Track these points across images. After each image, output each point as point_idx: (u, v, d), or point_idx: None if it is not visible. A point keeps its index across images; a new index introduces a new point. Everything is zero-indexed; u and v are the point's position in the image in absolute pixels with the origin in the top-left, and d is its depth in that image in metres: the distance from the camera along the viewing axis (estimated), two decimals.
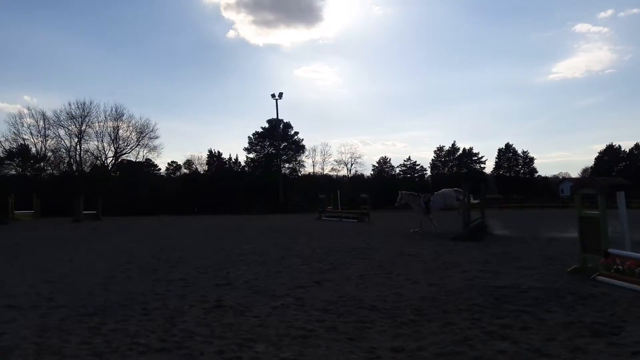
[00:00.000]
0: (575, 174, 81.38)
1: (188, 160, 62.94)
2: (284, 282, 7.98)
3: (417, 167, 72.05)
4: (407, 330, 5.11)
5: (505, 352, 4.35)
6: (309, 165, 67.62)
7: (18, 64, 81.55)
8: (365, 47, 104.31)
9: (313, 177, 64.41)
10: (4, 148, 52.65)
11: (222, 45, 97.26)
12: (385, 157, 72.44)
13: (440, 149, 72.87)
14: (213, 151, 63.25)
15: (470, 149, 71.62)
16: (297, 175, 64.98)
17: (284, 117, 64.95)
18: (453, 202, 17.88)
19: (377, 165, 71.66)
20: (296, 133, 65.87)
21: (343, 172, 68.69)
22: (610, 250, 7.69)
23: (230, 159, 63.95)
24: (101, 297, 6.98)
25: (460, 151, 71.91)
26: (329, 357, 4.30)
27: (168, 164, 63.52)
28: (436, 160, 72.96)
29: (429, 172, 72.67)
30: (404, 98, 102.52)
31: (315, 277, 8.32)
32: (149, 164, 57.88)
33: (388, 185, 61.58)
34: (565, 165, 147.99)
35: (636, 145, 72.07)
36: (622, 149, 73.37)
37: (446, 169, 72.27)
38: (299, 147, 65.67)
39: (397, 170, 71.52)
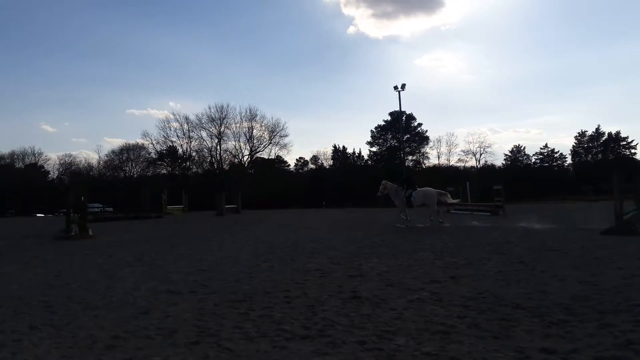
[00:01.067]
0: None
1: (314, 155, 65.32)
2: (417, 275, 7.90)
3: (556, 155, 66.26)
4: (557, 331, 4.76)
5: None
6: (433, 156, 65.93)
7: (164, 73, 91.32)
8: (491, 28, 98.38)
9: (438, 169, 62.63)
10: (156, 150, 59.51)
11: (343, 42, 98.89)
12: (518, 145, 67.71)
13: (582, 134, 66.19)
14: (337, 146, 64.74)
15: (618, 133, 63.98)
16: (421, 167, 63.70)
17: (407, 108, 64.03)
18: (432, 201, 18.24)
19: (509, 154, 67.33)
20: (419, 124, 64.62)
21: (471, 162, 65.75)
22: None
23: (353, 153, 64.92)
24: (248, 284, 7.56)
25: (606, 136, 64.56)
26: (473, 355, 4.18)
27: (296, 160, 66.53)
28: (577, 147, 66.41)
29: (569, 160, 66.46)
30: (536, 80, 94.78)
31: (450, 272, 8.11)
32: (279, 161, 61.16)
33: (523, 175, 57.71)
34: None
35: None
36: None
37: (589, 156, 65.48)
38: (423, 139, 64.35)
39: (533, 159, 66.51)
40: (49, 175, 65.93)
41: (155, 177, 57.70)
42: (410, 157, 63.39)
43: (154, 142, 58.69)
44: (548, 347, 4.29)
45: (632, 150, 63.31)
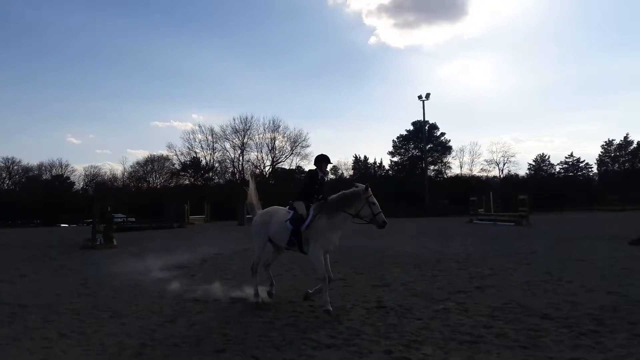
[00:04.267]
0: None
1: (334, 166, 65.26)
2: (442, 286, 7.84)
3: (581, 164, 65.03)
4: (587, 341, 4.68)
5: None
6: (455, 166, 65.28)
7: (187, 85, 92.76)
8: (515, 36, 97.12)
9: (460, 179, 62.01)
10: (180, 161, 60.42)
11: (365, 52, 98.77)
12: (543, 154, 66.64)
13: (609, 143, 64.85)
14: (358, 156, 64.69)
15: None
16: (443, 177, 63.20)
17: (429, 117, 63.67)
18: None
19: (533, 163, 66.33)
20: (442, 134, 64.16)
21: (494, 172, 64.99)
22: None
23: (374, 163, 64.77)
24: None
25: (635, 144, 63.15)
26: None
27: None
28: (604, 156, 65.11)
29: (595, 169, 65.17)
30: (561, 89, 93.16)
31: (475, 282, 8.02)
32: (300, 171, 61.36)
33: (548, 185, 56.78)
34: None
35: None
36: None
37: (616, 165, 64.11)
38: (446, 148, 63.83)
39: (557, 168, 65.40)
40: (74, 187, 67.38)
41: (178, 188, 58.49)
42: (432, 167, 62.96)
43: (178, 154, 59.75)
44: (578, 357, 4.23)
45: None
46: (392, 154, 65.11)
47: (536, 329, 5.18)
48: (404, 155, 64.68)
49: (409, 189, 53.54)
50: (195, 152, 60.13)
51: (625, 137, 63.83)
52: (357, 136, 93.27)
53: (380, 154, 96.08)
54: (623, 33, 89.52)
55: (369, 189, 6.30)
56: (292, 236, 6.52)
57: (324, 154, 6.82)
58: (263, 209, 7.57)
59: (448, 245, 14.43)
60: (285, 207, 7.02)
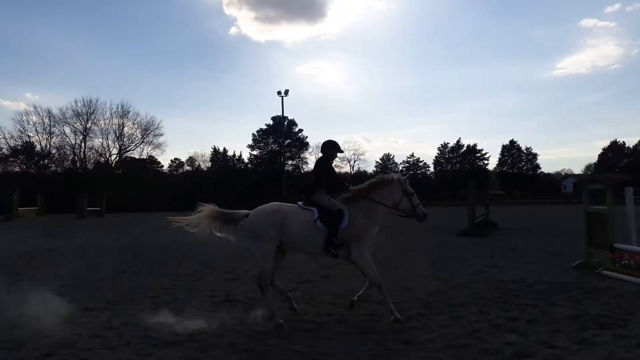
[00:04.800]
0: (578, 170, 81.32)
1: (190, 157, 63.17)
2: (292, 276, 8.02)
3: (421, 164, 72.09)
4: (415, 324, 5.16)
5: (513, 344, 4.40)
6: (312, 162, 67.75)
7: (18, 60, 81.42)
8: (368, 42, 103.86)
9: None
10: (9, 145, 52.87)
11: (224, 42, 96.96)
12: (388, 153, 72.51)
13: (445, 145, 72.83)
14: (217, 148, 63.41)
15: (475, 145, 71.53)
16: (300, 172, 65.10)
17: (288, 113, 65.01)
18: None
19: (380, 161, 71.73)
20: (300, 130, 65.94)
21: (346, 168, 68.85)
22: (617, 245, 7.71)
23: (234, 155, 64.08)
24: (110, 292, 7.04)
25: (465, 148, 71.92)
26: (341, 349, 4.36)
27: (171, 161, 63.69)
28: (440, 157, 72.99)
29: (432, 169, 72.76)
30: (407, 94, 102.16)
31: (322, 272, 8.37)
32: (152, 161, 58.02)
33: None
34: (568, 161, 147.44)
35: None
36: (627, 145, 73.13)
37: (449, 165, 72.32)
38: (303, 144, 65.74)
39: (401, 167, 71.57)
40: None
41: (5, 176, 51.17)
42: (290, 162, 64.44)
43: (7, 137, 52.16)
44: (407, 338, 4.62)
45: (485, 162, 71.44)
46: (251, 147, 65.12)
47: (373, 314, 5.58)
48: (264, 149, 65.14)
49: (267, 182, 54.03)
50: (29, 136, 53.10)
51: (458, 141, 72.33)
52: (216, 128, 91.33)
53: (240, 147, 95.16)
54: (463, 48, 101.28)
55: (408, 179, 5.63)
56: (331, 238, 5.23)
57: (333, 140, 6.01)
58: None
59: None
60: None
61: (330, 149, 5.92)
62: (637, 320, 5.12)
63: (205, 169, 62.42)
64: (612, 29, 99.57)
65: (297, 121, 65.86)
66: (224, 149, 63.33)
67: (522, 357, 4.07)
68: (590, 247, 8.38)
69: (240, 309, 5.92)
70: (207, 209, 5.64)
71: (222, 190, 50.79)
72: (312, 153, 66.26)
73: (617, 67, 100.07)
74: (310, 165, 66.44)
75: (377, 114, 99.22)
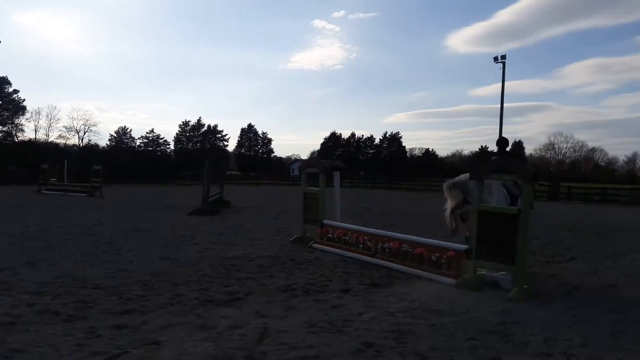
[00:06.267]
0: (304, 156, 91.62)
1: None
2: None
3: (161, 141, 69.82)
4: (133, 306, 4.89)
5: (228, 317, 4.58)
6: (29, 129, 58.29)
7: None
8: (106, 2, 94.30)
9: (35, 144, 55.72)
10: None
11: None
12: (125, 127, 67.86)
13: (186, 123, 72.33)
14: None
15: (215, 126, 73.15)
16: (14, 140, 55.28)
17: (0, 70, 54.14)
18: None
19: (115, 135, 66.56)
20: (16, 91, 55.80)
21: (74, 140, 61.58)
22: (325, 221, 8.88)
23: None
24: None
25: (205, 127, 72.70)
26: (38, 342, 3.79)
27: None
28: (181, 135, 72.09)
29: (172, 147, 71.34)
30: (150, 66, 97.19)
31: (26, 257, 7.20)
32: None
33: (128, 157, 57.98)
34: (297, 147, 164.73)
35: (352, 134, 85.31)
36: (342, 137, 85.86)
37: (190, 144, 72.16)
38: (19, 108, 55.90)
39: (138, 142, 67.92)
40: None
41: None
42: (0, 128, 53.92)
43: None
44: (120, 323, 4.33)
45: (225, 143, 73.65)
46: None
47: (86, 300, 5.05)
48: None
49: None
50: None
51: (199, 120, 72.64)
52: None
53: None
54: (208, 28, 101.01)
55: None
56: None
57: None
58: None
59: (2, 218, 12.56)
60: None
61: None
62: (334, 285, 5.98)
63: None
64: (338, 32, 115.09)
65: (11, 79, 55.51)
66: None
67: (235, 328, 4.27)
68: (306, 223, 9.42)
69: None
70: None
71: None
72: (31, 119, 57.04)
73: (340, 67, 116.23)
74: (28, 133, 57.05)
75: (114, 82, 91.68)
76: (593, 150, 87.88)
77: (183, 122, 72.12)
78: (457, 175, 7.39)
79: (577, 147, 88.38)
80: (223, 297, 5.30)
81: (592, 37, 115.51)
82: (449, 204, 7.20)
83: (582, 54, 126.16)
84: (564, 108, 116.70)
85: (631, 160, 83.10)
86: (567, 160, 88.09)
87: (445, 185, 7.19)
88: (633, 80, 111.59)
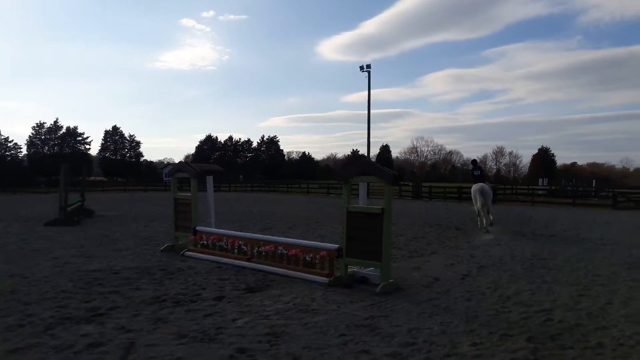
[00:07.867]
0: (178, 159, 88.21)
1: None
2: None
3: (10, 144, 62.18)
4: None
5: (88, 334, 4.22)
6: None
7: None
8: None
9: None
10: None
11: None
12: None
13: (41, 125, 65.28)
14: None
15: (75, 128, 67.09)
16: None
17: None
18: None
19: None
20: None
21: None
22: (198, 227, 8.60)
23: None
24: None
25: (64, 130, 66.38)
26: None
27: None
28: (34, 138, 64.93)
29: (24, 151, 63.94)
30: None
31: None
32: None
33: None
34: (170, 151, 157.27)
35: (230, 137, 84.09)
36: (219, 140, 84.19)
37: (46, 148, 65.35)
38: None
39: None
40: None
41: None
42: None
43: None
44: None
45: (87, 146, 67.78)
46: None
47: None
48: None
49: None
50: None
51: (55, 122, 66.07)
52: None
53: None
54: (67, 24, 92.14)
55: None
56: None
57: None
58: None
59: None
60: None
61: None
62: (208, 293, 5.81)
63: None
64: (208, 32, 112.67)
65: None
66: None
67: (96, 346, 3.94)
68: (177, 231, 9.04)
69: None
70: None
71: None
72: None
73: (213, 68, 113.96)
74: None
75: None
76: (450, 152, 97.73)
77: (37, 123, 65.01)
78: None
79: (437, 150, 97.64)
80: (83, 314, 4.86)
81: (447, 50, 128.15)
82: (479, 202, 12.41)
83: (439, 65, 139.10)
84: (425, 114, 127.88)
85: (482, 161, 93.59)
86: (429, 162, 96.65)
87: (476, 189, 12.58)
88: (482, 89, 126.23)
